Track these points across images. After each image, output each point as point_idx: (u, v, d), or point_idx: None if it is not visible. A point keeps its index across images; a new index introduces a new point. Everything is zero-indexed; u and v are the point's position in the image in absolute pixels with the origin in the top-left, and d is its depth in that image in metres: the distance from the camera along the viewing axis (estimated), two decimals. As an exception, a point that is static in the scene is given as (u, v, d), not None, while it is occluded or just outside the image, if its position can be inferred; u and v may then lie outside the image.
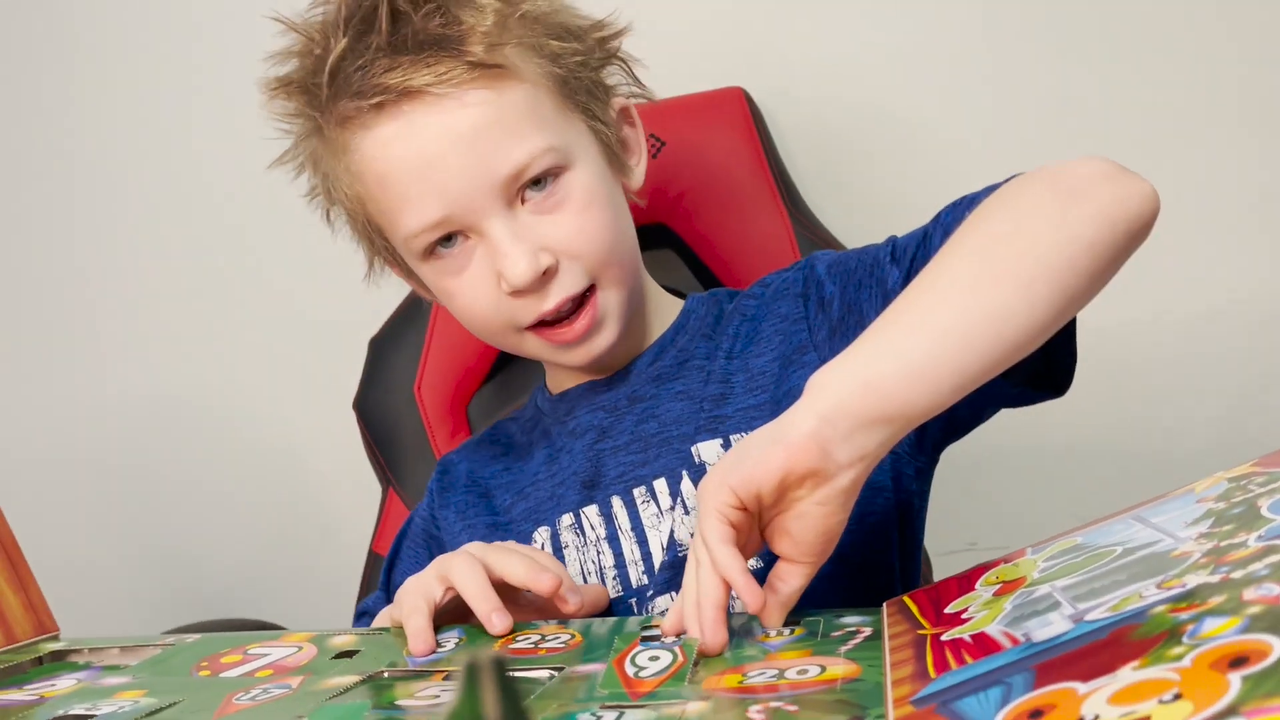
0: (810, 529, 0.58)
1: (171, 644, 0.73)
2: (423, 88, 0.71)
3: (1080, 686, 0.41)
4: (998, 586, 0.60)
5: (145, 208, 1.36)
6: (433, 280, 0.79)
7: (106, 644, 0.75)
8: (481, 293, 0.76)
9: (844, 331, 0.75)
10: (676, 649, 0.59)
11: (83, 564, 1.35)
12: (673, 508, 0.77)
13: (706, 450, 0.77)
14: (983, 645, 0.51)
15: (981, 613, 0.56)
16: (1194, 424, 1.12)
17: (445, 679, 0.60)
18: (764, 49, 1.10)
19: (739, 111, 1.06)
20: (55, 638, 0.79)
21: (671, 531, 0.77)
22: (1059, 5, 1.14)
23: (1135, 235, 0.62)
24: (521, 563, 0.67)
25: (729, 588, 0.58)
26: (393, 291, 1.12)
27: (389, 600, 0.86)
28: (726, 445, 0.76)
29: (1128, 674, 0.40)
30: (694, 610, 0.58)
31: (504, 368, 1.13)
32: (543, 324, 0.77)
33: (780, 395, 0.76)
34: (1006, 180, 0.67)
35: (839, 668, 0.54)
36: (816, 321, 0.77)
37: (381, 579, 0.93)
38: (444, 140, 0.72)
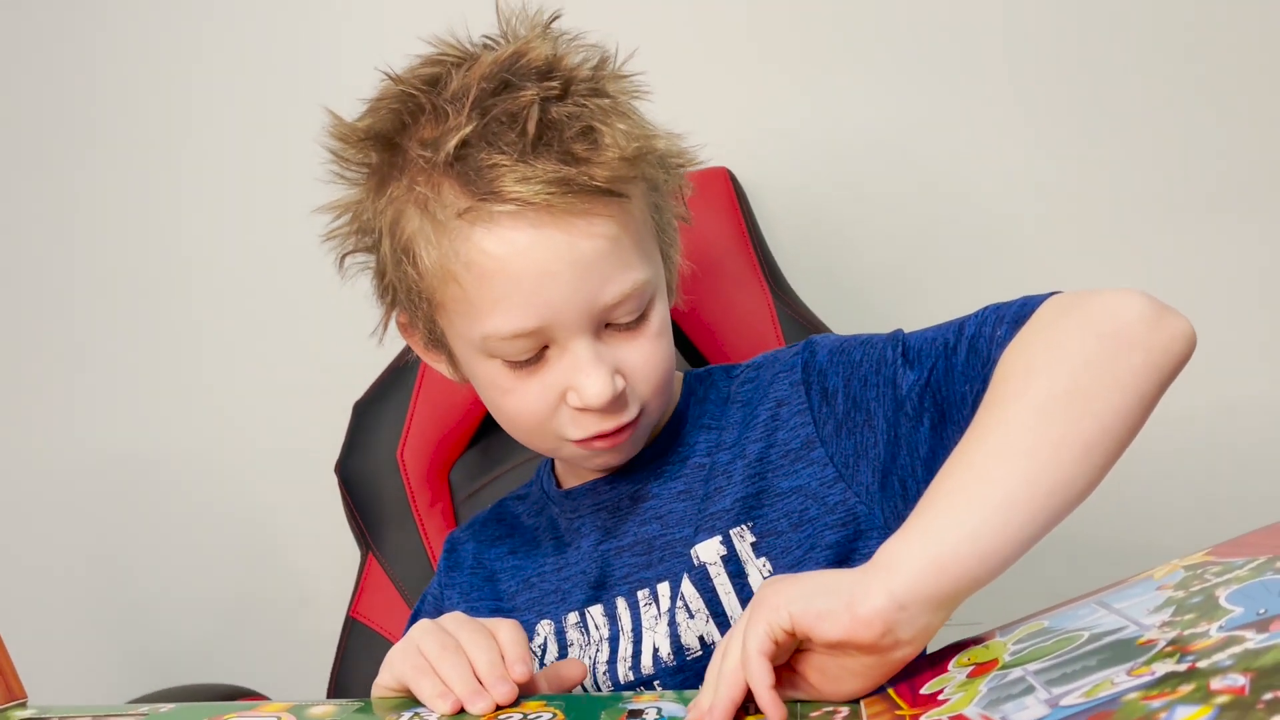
0: (845, 683, 0.60)
1: (145, 714, 0.74)
2: (557, 205, 0.71)
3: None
4: (970, 668, 0.62)
5: (127, 266, 1.37)
6: (490, 375, 0.77)
7: (78, 713, 0.75)
8: (543, 400, 0.76)
9: (850, 428, 0.76)
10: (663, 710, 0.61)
11: (52, 628, 1.34)
12: (671, 610, 0.79)
13: (705, 551, 0.78)
14: (962, 724, 0.53)
15: (958, 694, 0.58)
16: (1153, 511, 1.16)
17: (431, 752, 0.61)
18: (748, 131, 1.14)
19: (724, 191, 1.10)
20: (24, 704, 0.79)
21: (678, 636, 0.78)
22: (1040, 87, 1.19)
23: (1175, 375, 0.63)
24: (485, 660, 0.68)
25: (746, 694, 0.59)
26: (375, 356, 1.14)
27: None
28: (726, 541, 0.77)
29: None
30: (709, 695, 0.59)
31: (485, 435, 1.15)
32: (582, 442, 0.78)
33: (782, 489, 0.78)
34: (1038, 301, 0.68)
35: (823, 749, 0.56)
36: (821, 415, 0.78)
37: None
38: (564, 261, 0.72)
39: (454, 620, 0.73)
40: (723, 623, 0.77)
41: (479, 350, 0.76)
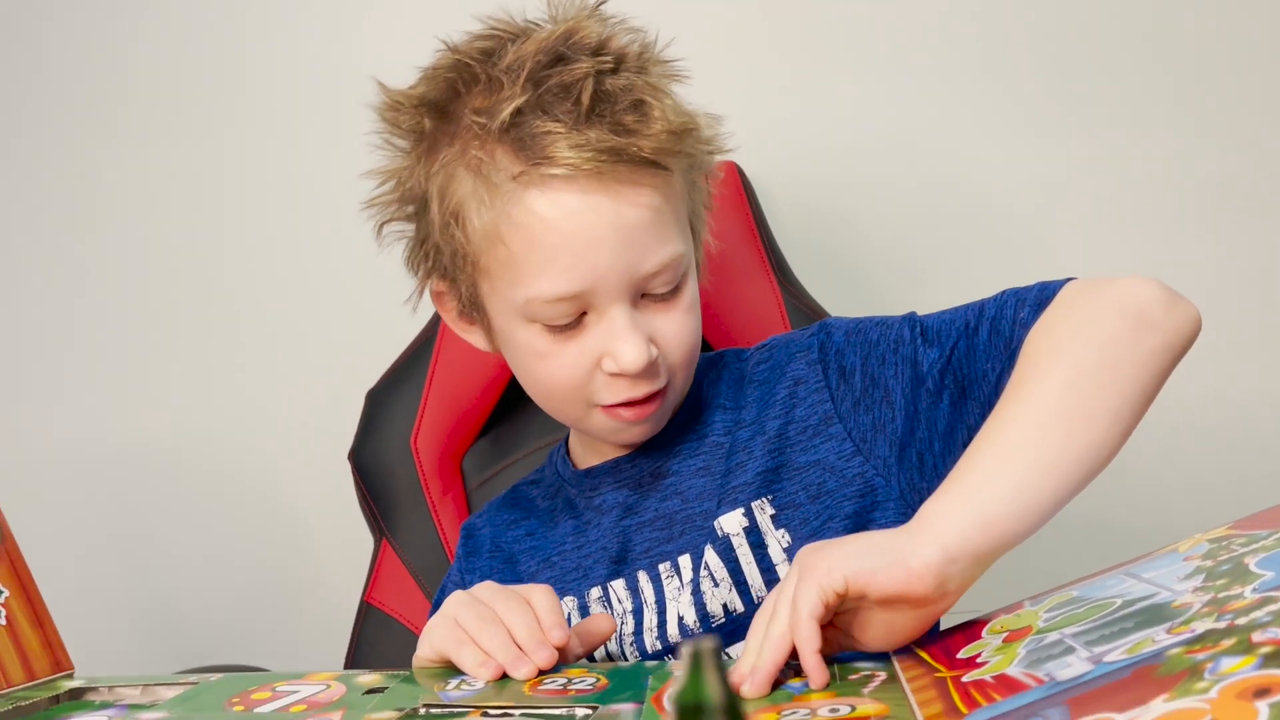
0: (894, 634, 0.63)
1: (194, 682, 0.75)
2: (607, 173, 0.74)
3: (1117, 717, 0.46)
4: (1005, 635, 0.64)
5: (144, 254, 1.38)
6: (529, 340, 0.79)
7: (125, 682, 0.76)
8: (579, 366, 0.79)
9: (868, 404, 0.80)
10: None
11: (67, 610, 1.34)
12: (694, 580, 0.81)
13: (729, 522, 0.81)
14: (1007, 685, 0.55)
15: (996, 657, 0.61)
16: (1168, 494, 1.20)
17: (482, 715, 0.63)
18: (757, 126, 1.16)
19: (732, 184, 1.13)
20: (70, 676, 0.80)
21: (703, 604, 0.81)
22: (1048, 84, 1.23)
23: (1183, 356, 0.69)
24: (523, 627, 0.70)
25: (790, 655, 0.61)
26: (389, 344, 1.15)
27: None
28: (748, 513, 0.81)
29: (1160, 705, 0.45)
30: (753, 657, 0.61)
31: (496, 425, 1.17)
32: (613, 408, 0.81)
33: (801, 462, 0.81)
34: (1057, 286, 0.73)
35: (868, 706, 0.58)
36: (840, 392, 0.81)
37: None
38: (610, 227, 0.75)
39: (488, 590, 0.75)
40: (744, 592, 0.80)
41: (519, 314, 0.78)
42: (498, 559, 0.91)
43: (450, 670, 0.73)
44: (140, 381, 1.37)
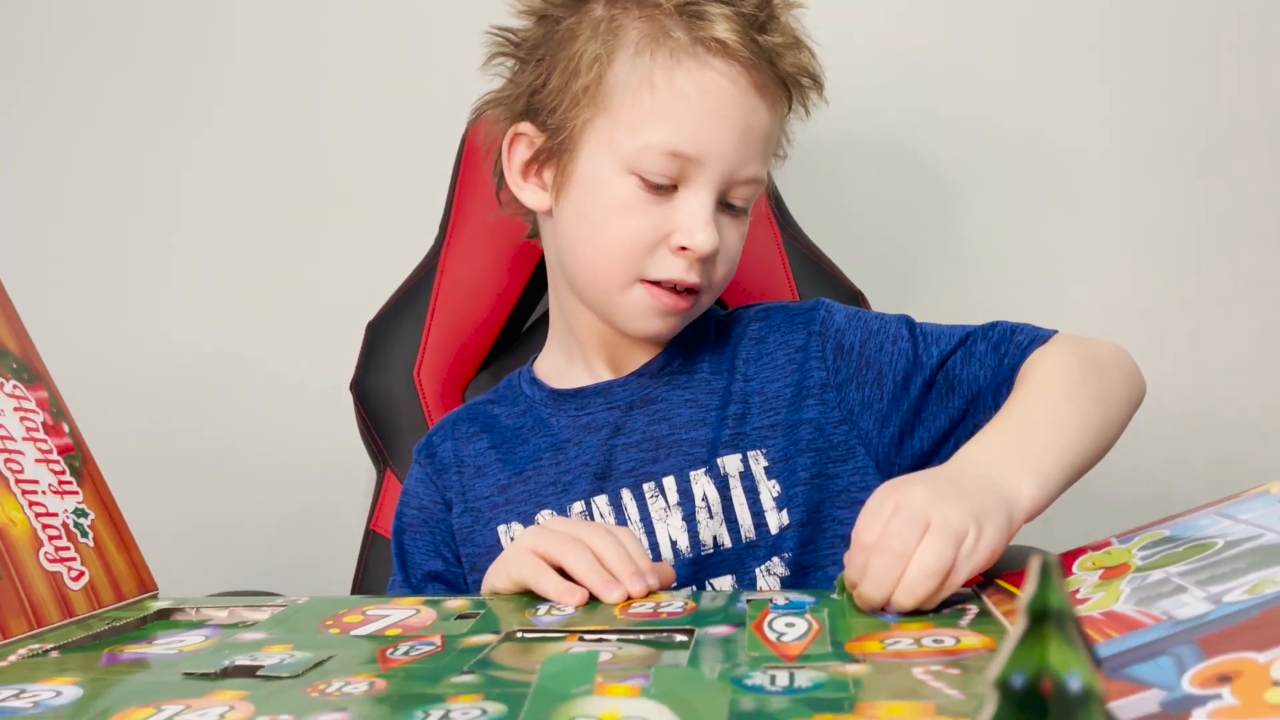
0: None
1: (282, 605, 0.76)
2: (754, 74, 0.83)
3: (1258, 656, 0.47)
4: (1099, 572, 0.65)
5: (145, 186, 1.37)
6: (620, 191, 0.84)
7: (211, 603, 0.77)
8: (652, 231, 0.84)
9: (860, 383, 0.88)
10: (809, 617, 0.64)
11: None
12: (688, 506, 0.86)
13: (729, 464, 0.87)
14: (1121, 622, 0.56)
15: (1098, 594, 0.62)
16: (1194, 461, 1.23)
17: (579, 639, 0.64)
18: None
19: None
20: (155, 597, 0.81)
21: (696, 533, 0.85)
22: (1036, 24, 1.22)
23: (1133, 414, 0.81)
24: (614, 553, 0.73)
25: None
26: (388, 277, 1.16)
27: (413, 589, 0.92)
28: (744, 460, 0.87)
29: (1300, 648, 0.46)
30: (881, 592, 0.64)
31: (499, 356, 1.18)
32: (656, 284, 0.86)
33: (796, 420, 0.88)
34: (1050, 332, 0.84)
35: (972, 639, 0.59)
36: (836, 365, 0.89)
37: (398, 573, 0.96)
38: (740, 118, 0.83)
39: (562, 521, 0.76)
40: (734, 530, 0.86)
41: (625, 163, 0.84)
42: (466, 473, 0.94)
43: (532, 598, 0.74)
44: (135, 312, 1.37)
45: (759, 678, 0.53)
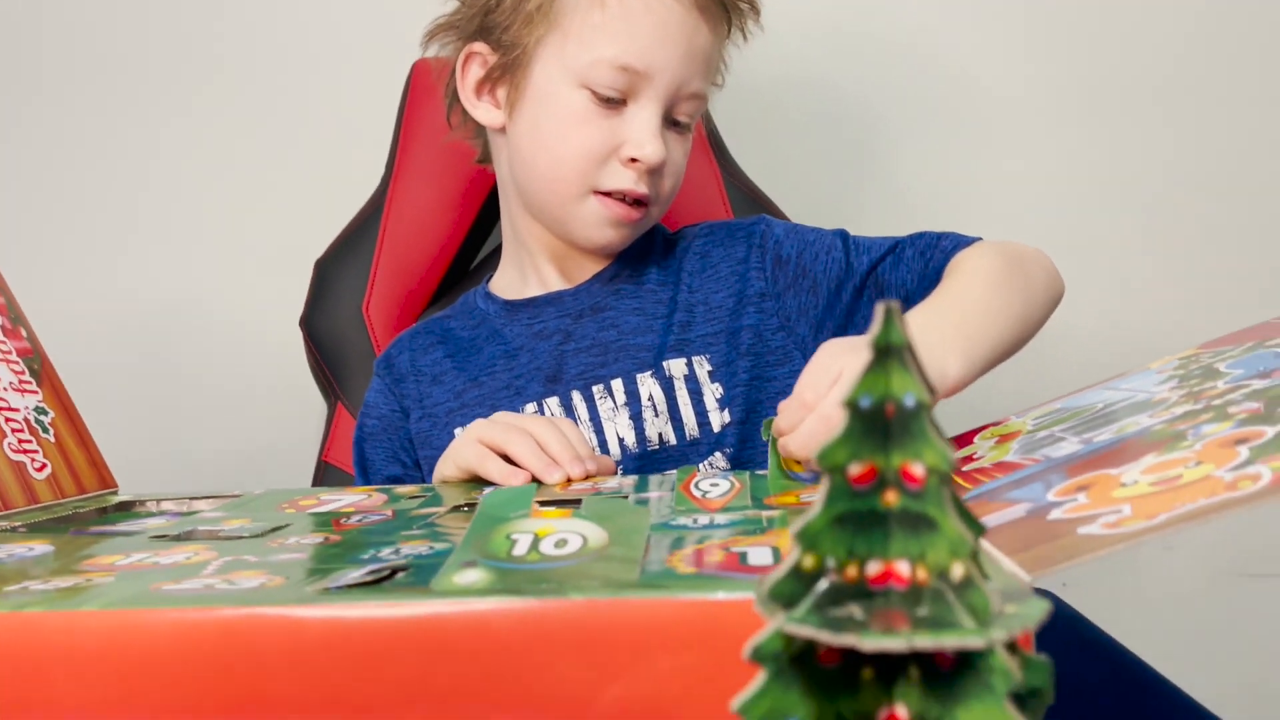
0: None
1: (238, 495, 0.80)
2: None
3: (1113, 470, 0.53)
4: (996, 439, 0.72)
5: (93, 121, 1.39)
6: (572, 104, 0.90)
7: (171, 496, 0.82)
8: (602, 143, 0.91)
9: (796, 291, 0.95)
10: (731, 479, 0.70)
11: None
12: (634, 406, 0.92)
13: (674, 367, 0.93)
14: (1006, 468, 0.63)
15: (991, 453, 0.68)
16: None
17: (538, 504, 0.69)
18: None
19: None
20: (115, 493, 0.86)
21: (643, 430, 0.91)
22: None
23: (1052, 313, 0.88)
24: (555, 440, 0.78)
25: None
26: (337, 214, 1.21)
27: None
28: (689, 364, 0.93)
29: (1151, 459, 0.53)
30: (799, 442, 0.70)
31: (448, 291, 1.23)
32: (608, 195, 0.93)
33: (736, 327, 0.95)
34: (972, 239, 0.91)
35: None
36: (775, 274, 0.96)
37: (359, 480, 1.02)
38: (686, 37, 0.90)
39: (509, 415, 0.82)
40: (679, 428, 0.92)
41: (577, 77, 0.90)
42: (423, 381, 1.00)
43: (479, 483, 0.79)
44: (83, 260, 1.40)
45: (682, 519, 0.59)
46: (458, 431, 0.96)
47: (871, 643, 0.31)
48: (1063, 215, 1.34)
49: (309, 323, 1.23)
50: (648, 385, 0.93)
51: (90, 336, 1.40)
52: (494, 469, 0.78)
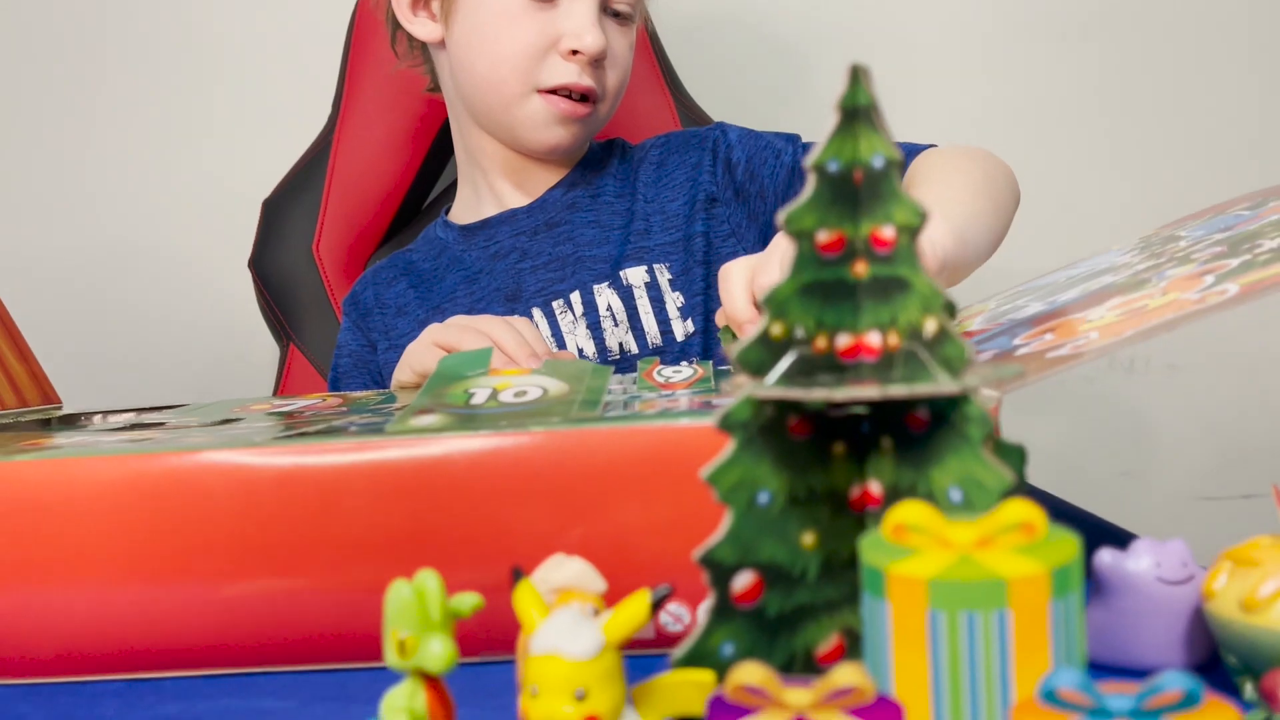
0: None
1: (187, 404, 0.79)
2: None
3: (1076, 313, 0.53)
4: (961, 319, 0.72)
5: (39, 57, 1.36)
6: (502, 3, 0.89)
7: (115, 411, 0.80)
8: (540, 37, 0.89)
9: (745, 196, 0.94)
10: (695, 365, 0.69)
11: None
12: (592, 317, 0.91)
13: (632, 275, 0.92)
14: (969, 335, 0.63)
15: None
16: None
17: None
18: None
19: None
20: (59, 408, 0.83)
21: (602, 340, 0.91)
22: None
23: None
24: (510, 339, 0.76)
25: None
26: (283, 155, 1.19)
27: None
28: (650, 271, 0.92)
29: (1116, 300, 0.53)
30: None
31: (402, 229, 1.21)
32: (552, 94, 0.91)
33: (690, 234, 0.93)
34: (924, 146, 0.89)
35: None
36: (724, 179, 0.95)
37: None
38: None
39: (465, 317, 0.80)
40: (640, 336, 0.91)
41: None
42: (388, 314, 0.99)
43: None
44: (27, 193, 1.37)
45: (646, 395, 0.58)
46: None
47: (844, 393, 0.30)
48: (1013, 137, 1.34)
49: (258, 264, 1.20)
50: (605, 295, 0.92)
51: (35, 281, 1.36)
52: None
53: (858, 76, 0.33)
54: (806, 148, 0.93)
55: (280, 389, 1.21)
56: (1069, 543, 0.30)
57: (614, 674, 0.30)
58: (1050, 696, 0.29)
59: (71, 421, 0.77)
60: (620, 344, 0.91)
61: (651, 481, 0.45)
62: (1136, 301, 0.51)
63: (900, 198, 0.33)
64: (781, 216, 0.33)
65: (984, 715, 0.29)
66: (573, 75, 0.90)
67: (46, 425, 0.76)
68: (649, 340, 0.91)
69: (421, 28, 0.95)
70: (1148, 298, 0.50)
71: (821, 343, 0.34)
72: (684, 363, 0.71)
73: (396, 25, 0.97)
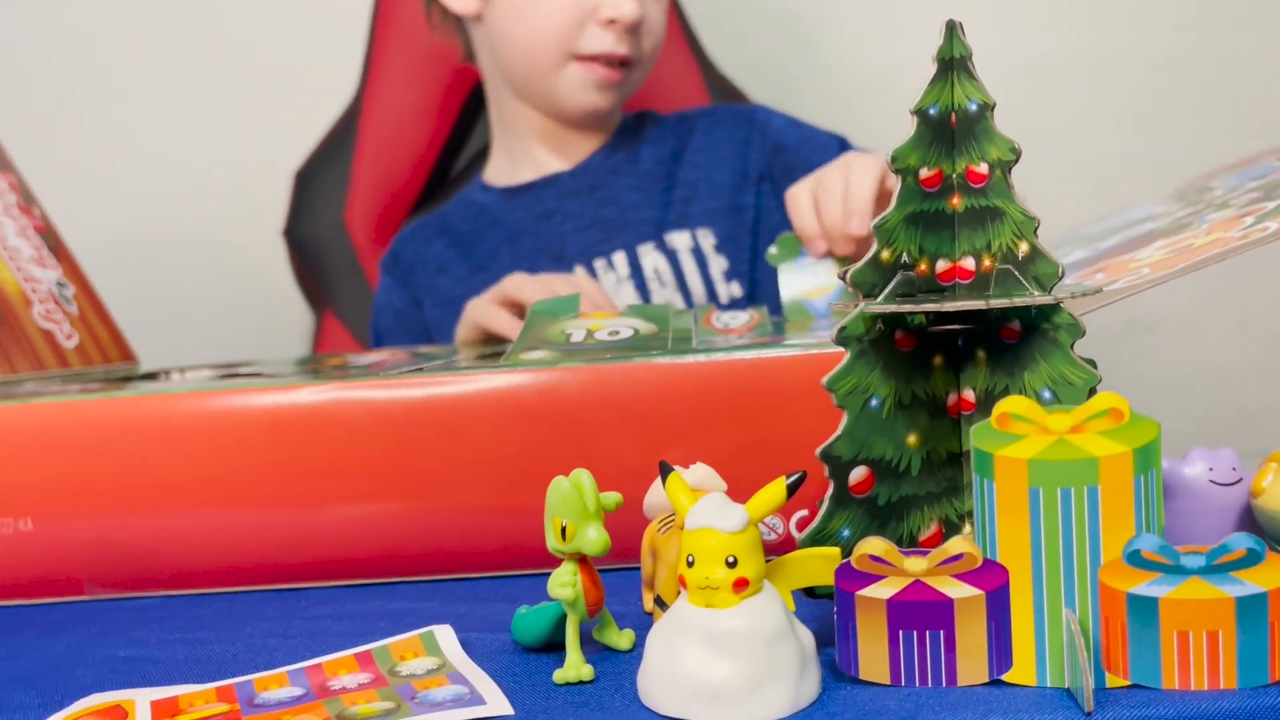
0: None
1: (254, 360, 0.84)
2: None
3: (1124, 254, 0.58)
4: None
5: (75, 35, 1.40)
6: None
7: (192, 366, 0.85)
8: (572, 9, 0.93)
9: (794, 177, 0.96)
10: (750, 311, 0.75)
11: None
12: (639, 277, 0.96)
13: (677, 239, 0.97)
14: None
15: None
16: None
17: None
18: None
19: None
20: (138, 366, 0.89)
21: (649, 299, 0.96)
22: None
23: None
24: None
25: None
26: (312, 124, 1.24)
27: None
28: (694, 237, 0.97)
29: (1161, 242, 0.58)
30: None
31: (428, 199, 1.26)
32: (591, 60, 0.95)
33: (739, 205, 0.99)
34: None
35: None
36: (774, 160, 1.00)
37: None
38: None
39: (524, 274, 0.86)
40: (687, 298, 0.96)
41: None
42: (429, 271, 1.03)
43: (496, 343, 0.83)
44: (62, 170, 1.41)
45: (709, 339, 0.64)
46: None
47: (953, 303, 0.36)
48: (1036, 103, 1.38)
49: (292, 234, 1.25)
50: (651, 257, 0.97)
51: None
52: (501, 320, 0.82)
53: (953, 30, 0.39)
54: (851, 146, 1.00)
55: (315, 352, 1.26)
56: (1150, 426, 0.36)
57: (757, 546, 0.36)
58: (1134, 558, 0.35)
59: (153, 376, 0.83)
60: (668, 303, 0.96)
61: (738, 408, 0.51)
62: (1181, 242, 0.56)
63: (994, 135, 0.38)
64: (887, 155, 0.39)
65: (1076, 576, 0.35)
66: (609, 43, 0.93)
67: (128, 380, 0.82)
68: (694, 301, 0.96)
69: (458, 2, 0.99)
70: (1192, 238, 0.56)
71: (923, 267, 0.39)
72: (739, 309, 0.77)
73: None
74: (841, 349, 0.39)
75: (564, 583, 0.39)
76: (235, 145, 1.42)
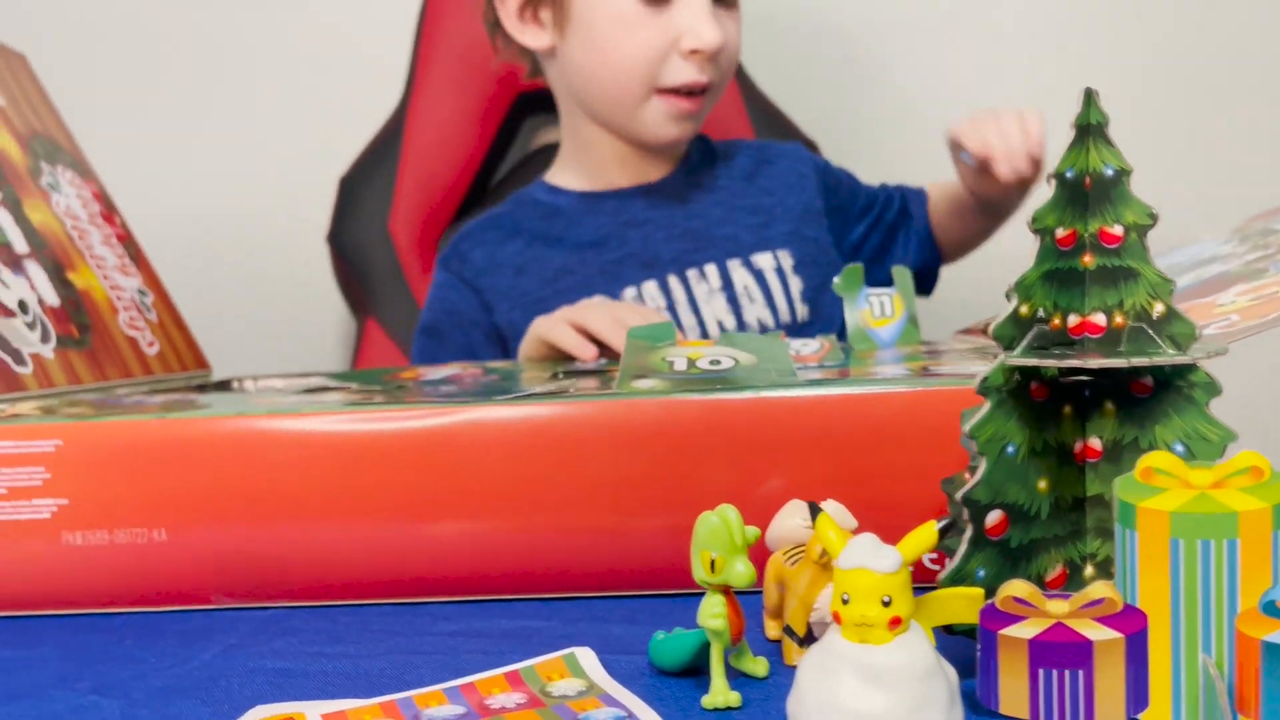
0: None
1: (338, 371, 0.86)
2: None
3: (1205, 299, 0.61)
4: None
5: (117, 41, 1.41)
6: (620, 10, 0.94)
7: (266, 376, 0.87)
8: (658, 39, 0.94)
9: (845, 216, 1.08)
10: (819, 339, 0.77)
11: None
12: (730, 291, 0.99)
13: (761, 260, 1.01)
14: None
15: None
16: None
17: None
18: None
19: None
20: (210, 374, 0.90)
21: (740, 313, 0.99)
22: None
23: None
24: (609, 330, 0.83)
25: None
26: (359, 132, 1.25)
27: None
28: (775, 257, 1.01)
29: (1240, 287, 0.60)
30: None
31: (472, 208, 1.28)
32: (671, 93, 0.96)
33: (804, 234, 1.04)
34: None
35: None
36: (832, 199, 1.07)
37: None
38: None
39: (596, 298, 0.88)
40: (774, 312, 0.99)
41: None
42: (506, 273, 1.02)
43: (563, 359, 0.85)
44: (113, 170, 1.43)
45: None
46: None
47: (1096, 361, 0.38)
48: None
49: (336, 239, 1.26)
50: (740, 274, 0.99)
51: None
52: (566, 337, 0.84)
53: (1090, 98, 0.41)
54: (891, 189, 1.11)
55: (357, 362, 1.28)
56: (1289, 484, 0.38)
57: (909, 586, 0.38)
58: (1270, 608, 0.37)
59: (226, 387, 0.84)
60: (759, 319, 0.99)
61: (843, 438, 0.53)
62: (1263, 289, 0.58)
63: (1131, 201, 0.41)
64: (1029, 217, 0.41)
65: (1214, 625, 0.37)
66: (692, 73, 0.95)
67: (202, 389, 0.84)
68: (781, 316, 0.99)
69: (532, 37, 1.00)
70: (1273, 285, 0.58)
71: (1057, 321, 0.42)
72: (809, 337, 0.79)
73: (496, 27, 1.02)
74: (942, 387, 0.41)
75: (715, 614, 0.41)
76: (281, 151, 1.43)
